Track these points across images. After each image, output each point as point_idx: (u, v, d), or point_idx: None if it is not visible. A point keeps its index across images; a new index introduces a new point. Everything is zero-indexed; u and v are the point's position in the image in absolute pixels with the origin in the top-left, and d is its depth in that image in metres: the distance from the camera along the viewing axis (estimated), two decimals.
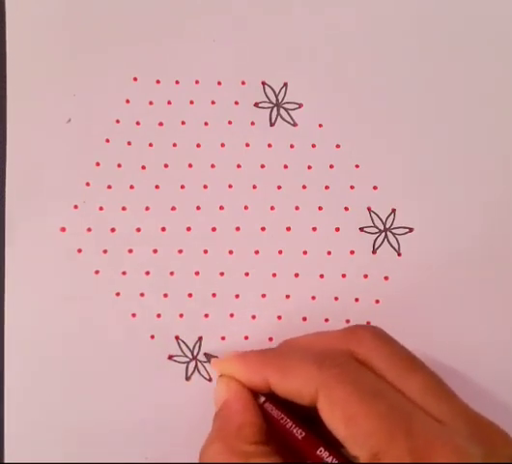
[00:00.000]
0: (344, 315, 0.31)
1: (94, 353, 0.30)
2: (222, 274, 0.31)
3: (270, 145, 0.32)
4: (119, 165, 0.31)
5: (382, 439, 0.20)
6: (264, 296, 0.31)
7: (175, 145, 0.31)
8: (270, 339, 0.31)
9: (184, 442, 0.29)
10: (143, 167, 0.31)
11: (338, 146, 0.32)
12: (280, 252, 0.31)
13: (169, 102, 0.32)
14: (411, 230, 0.32)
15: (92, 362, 0.30)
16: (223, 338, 0.31)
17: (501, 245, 0.32)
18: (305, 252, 0.31)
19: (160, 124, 0.31)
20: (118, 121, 0.31)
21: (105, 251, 0.31)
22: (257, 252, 0.31)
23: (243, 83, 0.32)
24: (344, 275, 0.31)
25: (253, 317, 0.31)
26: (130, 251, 0.31)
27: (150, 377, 0.30)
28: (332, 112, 0.32)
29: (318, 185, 0.32)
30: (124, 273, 0.31)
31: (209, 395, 0.30)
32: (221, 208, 0.31)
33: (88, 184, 0.31)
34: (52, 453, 0.29)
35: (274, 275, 0.31)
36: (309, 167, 0.32)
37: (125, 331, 0.30)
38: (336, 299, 0.31)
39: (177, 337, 0.30)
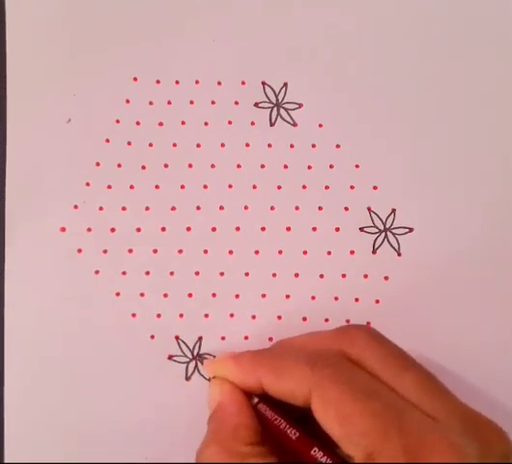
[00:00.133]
0: (344, 315, 0.31)
1: (94, 353, 0.30)
2: (222, 274, 0.31)
3: (270, 145, 0.32)
4: (119, 165, 0.31)
5: (376, 438, 0.20)
6: (264, 296, 0.31)
7: (175, 145, 0.31)
8: (270, 339, 0.31)
9: (183, 442, 0.29)
10: (143, 167, 0.31)
11: (338, 146, 0.32)
12: (280, 252, 0.31)
13: (169, 102, 0.32)
14: (411, 230, 0.32)
15: (92, 362, 0.30)
16: (223, 338, 0.31)
17: (501, 245, 0.32)
18: (305, 252, 0.31)
19: (160, 124, 0.31)
20: (118, 121, 0.31)
21: (105, 251, 0.31)
22: (257, 252, 0.31)
23: (243, 83, 0.32)
24: (344, 275, 0.31)
25: (253, 317, 0.31)
26: (130, 251, 0.31)
27: (150, 377, 0.30)
28: (332, 112, 0.32)
29: (318, 185, 0.32)
30: (124, 273, 0.31)
31: None
32: (221, 208, 0.31)
33: (88, 184, 0.31)
34: (52, 453, 0.29)
35: (274, 275, 0.31)
36: (309, 167, 0.32)
37: (125, 331, 0.30)
38: (336, 299, 0.31)
39: (177, 337, 0.30)
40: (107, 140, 0.31)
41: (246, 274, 0.31)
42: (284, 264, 0.31)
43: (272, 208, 0.32)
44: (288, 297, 0.31)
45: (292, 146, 0.32)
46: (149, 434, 0.30)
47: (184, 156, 0.31)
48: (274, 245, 0.31)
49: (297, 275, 0.31)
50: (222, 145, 0.32)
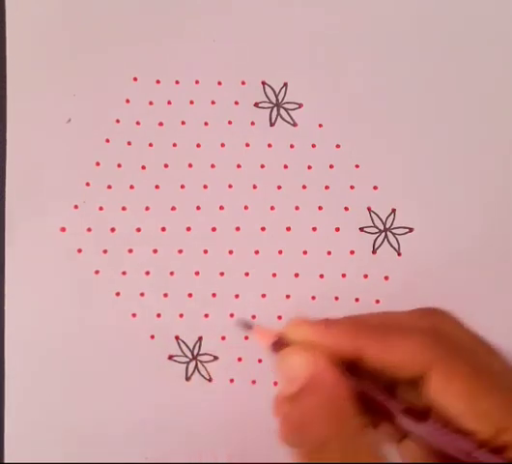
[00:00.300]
0: (344, 315, 0.31)
1: (94, 353, 0.30)
2: (222, 274, 0.31)
3: (270, 145, 0.32)
4: (119, 165, 0.31)
5: (505, 414, 0.20)
6: (264, 296, 0.31)
7: (175, 145, 0.31)
8: None
9: (184, 442, 0.29)
10: (143, 167, 0.31)
11: (338, 146, 0.32)
12: (280, 252, 0.31)
13: (169, 102, 0.32)
14: (411, 230, 0.32)
15: (92, 362, 0.30)
16: (223, 338, 0.31)
17: (501, 245, 0.32)
18: (305, 252, 0.31)
19: (160, 124, 0.31)
20: (118, 121, 0.31)
21: (105, 251, 0.31)
22: (257, 252, 0.31)
23: (243, 83, 0.32)
24: (344, 275, 0.31)
25: (253, 317, 0.31)
26: (130, 251, 0.31)
27: (150, 377, 0.30)
28: (332, 112, 0.32)
29: (318, 185, 0.32)
30: (124, 273, 0.31)
31: (209, 395, 0.30)
32: (221, 208, 0.31)
33: (88, 184, 0.31)
34: (52, 453, 0.29)
35: (274, 275, 0.31)
36: (309, 167, 0.32)
37: (125, 331, 0.30)
38: (336, 299, 0.31)
39: (177, 337, 0.30)
40: (107, 140, 0.31)
41: (246, 274, 0.31)
42: (284, 264, 0.31)
43: (272, 208, 0.32)
44: (288, 297, 0.31)
45: (292, 146, 0.32)
46: (149, 434, 0.30)
47: (184, 156, 0.31)
48: (274, 245, 0.31)
49: (297, 275, 0.31)
50: (222, 145, 0.32)
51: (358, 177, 0.32)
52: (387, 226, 0.32)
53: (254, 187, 0.32)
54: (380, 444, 0.22)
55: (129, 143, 0.31)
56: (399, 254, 0.32)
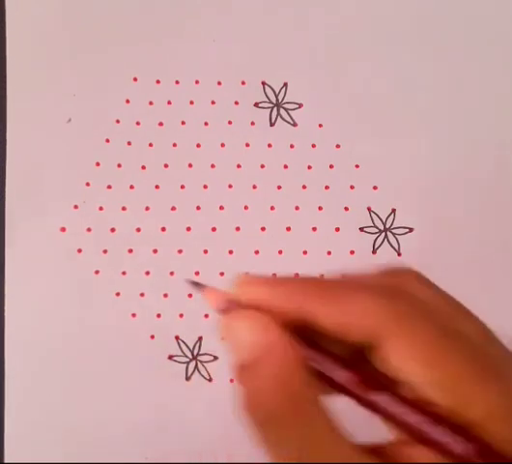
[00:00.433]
0: None
1: (94, 353, 0.30)
2: (222, 274, 0.31)
3: (270, 145, 0.32)
4: (119, 165, 0.31)
5: (472, 383, 0.18)
6: None
7: (175, 145, 0.31)
8: None
9: (183, 442, 0.29)
10: (143, 167, 0.31)
11: (338, 146, 0.32)
12: (280, 252, 0.31)
13: (169, 102, 0.32)
14: (411, 230, 0.32)
15: (92, 363, 0.30)
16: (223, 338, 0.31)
17: (501, 245, 0.32)
18: (305, 252, 0.31)
19: (160, 124, 0.31)
20: (118, 121, 0.31)
21: (105, 251, 0.31)
22: (257, 252, 0.31)
23: (243, 83, 0.32)
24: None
25: None
26: (130, 251, 0.31)
27: (150, 377, 0.30)
28: (332, 112, 0.32)
29: (318, 185, 0.32)
30: (124, 273, 0.31)
31: (209, 395, 0.30)
32: (221, 208, 0.31)
33: (88, 184, 0.31)
34: (52, 453, 0.29)
35: (275, 275, 0.31)
36: (309, 167, 0.32)
37: (125, 331, 0.30)
38: None
39: (177, 337, 0.30)
40: (107, 140, 0.31)
41: None
42: (284, 264, 0.31)
43: (272, 208, 0.32)
44: None
45: (292, 146, 0.32)
46: (149, 434, 0.30)
47: (184, 156, 0.31)
48: (274, 245, 0.31)
49: (297, 275, 0.31)
50: (222, 145, 0.32)
51: (358, 177, 0.32)
52: (387, 226, 0.32)
53: (254, 187, 0.32)
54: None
55: (129, 143, 0.31)
56: (399, 254, 0.32)
